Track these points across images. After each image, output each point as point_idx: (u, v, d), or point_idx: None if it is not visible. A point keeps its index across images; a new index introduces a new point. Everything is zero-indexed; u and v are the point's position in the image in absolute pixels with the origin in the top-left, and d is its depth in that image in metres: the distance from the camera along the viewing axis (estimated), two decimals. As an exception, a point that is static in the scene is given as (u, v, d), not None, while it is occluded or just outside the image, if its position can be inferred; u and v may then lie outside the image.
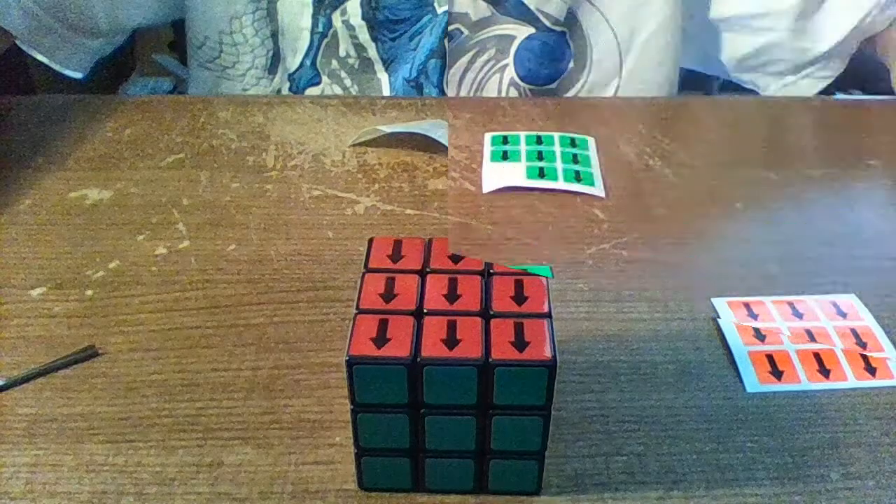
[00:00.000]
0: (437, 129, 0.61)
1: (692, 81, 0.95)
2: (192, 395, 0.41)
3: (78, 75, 0.72)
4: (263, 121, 0.65)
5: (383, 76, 0.73)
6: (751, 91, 0.79)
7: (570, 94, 0.73)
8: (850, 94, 0.84)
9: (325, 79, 0.73)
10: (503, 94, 0.73)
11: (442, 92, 0.73)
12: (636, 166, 0.60)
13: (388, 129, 0.61)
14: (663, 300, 0.48)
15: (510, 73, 0.72)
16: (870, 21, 0.70)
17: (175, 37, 1.00)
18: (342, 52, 0.72)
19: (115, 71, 1.01)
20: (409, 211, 0.55)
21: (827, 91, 0.74)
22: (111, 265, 0.50)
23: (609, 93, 0.74)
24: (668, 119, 0.68)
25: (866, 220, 0.55)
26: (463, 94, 0.73)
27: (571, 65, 0.73)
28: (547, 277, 0.36)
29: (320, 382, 0.42)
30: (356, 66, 0.73)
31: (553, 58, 0.72)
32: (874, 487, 0.37)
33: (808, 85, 0.75)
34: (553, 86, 0.73)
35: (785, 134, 0.66)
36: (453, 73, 0.72)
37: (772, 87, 0.76)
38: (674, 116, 0.69)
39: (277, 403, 0.41)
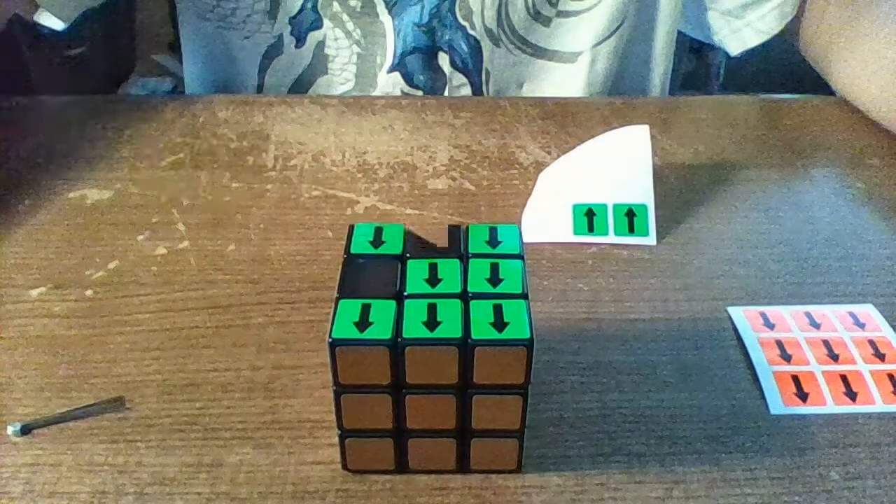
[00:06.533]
0: None
1: (692, 81, 0.96)
2: (192, 395, 0.41)
3: (59, 25, 0.67)
4: (263, 121, 0.65)
5: (387, 19, 0.71)
6: (750, 90, 0.79)
7: None
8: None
9: (326, 23, 0.72)
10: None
11: (458, 30, 0.71)
12: (636, 166, 0.60)
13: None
14: (663, 300, 0.48)
15: None
16: None
17: (175, 37, 1.00)
18: None
19: (115, 71, 1.01)
20: (409, 211, 0.55)
21: (828, 89, 0.74)
22: (111, 265, 0.50)
23: None
24: (668, 118, 0.68)
25: (867, 219, 0.55)
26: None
27: None
28: (523, 259, 0.37)
29: (320, 382, 0.42)
30: (358, 9, 0.71)
31: None
32: (874, 487, 0.37)
33: (752, 36, 0.73)
34: None
35: (785, 133, 0.66)
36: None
37: (723, 30, 0.74)
38: (674, 116, 0.69)
39: (277, 403, 0.41)
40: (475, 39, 0.73)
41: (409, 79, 0.74)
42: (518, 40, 0.74)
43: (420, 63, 0.73)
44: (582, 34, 0.74)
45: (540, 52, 0.75)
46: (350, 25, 0.72)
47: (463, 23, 0.72)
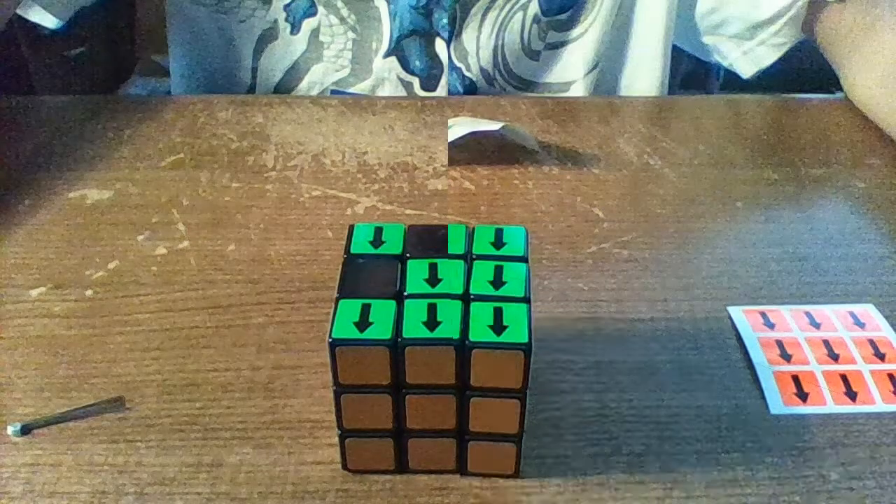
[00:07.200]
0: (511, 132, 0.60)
1: (692, 81, 0.95)
2: (192, 395, 0.41)
3: (52, 23, 0.68)
4: (263, 121, 0.65)
5: (381, 3, 0.71)
6: (750, 90, 0.79)
7: (585, 23, 0.72)
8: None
9: (320, 9, 0.72)
10: (526, 32, 0.72)
11: (453, 25, 0.71)
12: (636, 166, 0.60)
13: (459, 131, 0.59)
14: (663, 300, 0.48)
15: (534, 8, 0.71)
16: None
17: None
18: None
19: (115, 71, 1.01)
20: (409, 211, 0.55)
21: (828, 89, 0.74)
22: (111, 265, 0.50)
23: (618, 23, 0.73)
24: (668, 118, 0.68)
25: (867, 219, 0.55)
26: (485, 34, 0.72)
27: None
28: (527, 262, 0.36)
29: (320, 382, 0.42)
30: None
31: None
32: (874, 487, 0.37)
33: (767, 52, 0.72)
34: (564, 17, 0.72)
35: (785, 133, 0.66)
36: (474, 13, 0.71)
37: (733, 53, 0.74)
38: (674, 116, 0.69)
39: (277, 403, 0.41)
40: (470, 80, 0.74)
41: (405, 64, 0.73)
42: (513, 79, 0.75)
43: (417, 48, 0.73)
44: (573, 63, 0.74)
45: (532, 87, 0.75)
46: (344, 11, 0.72)
47: (459, 64, 0.73)
